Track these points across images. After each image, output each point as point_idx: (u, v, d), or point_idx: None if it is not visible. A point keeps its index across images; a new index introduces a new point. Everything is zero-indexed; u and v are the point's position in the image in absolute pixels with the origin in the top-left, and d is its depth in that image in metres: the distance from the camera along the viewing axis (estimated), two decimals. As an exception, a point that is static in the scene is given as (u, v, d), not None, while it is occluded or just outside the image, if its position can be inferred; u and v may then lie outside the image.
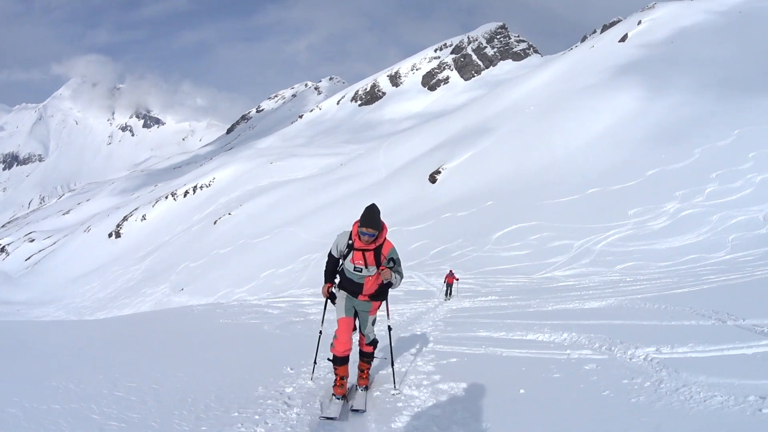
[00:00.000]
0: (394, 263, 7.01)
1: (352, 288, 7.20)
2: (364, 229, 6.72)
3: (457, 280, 26.36)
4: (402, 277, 7.14)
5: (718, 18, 78.83)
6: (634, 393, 5.89)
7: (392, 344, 7.93)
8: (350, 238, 7.00)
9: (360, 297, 7.23)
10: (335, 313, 7.38)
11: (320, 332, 8.16)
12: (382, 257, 7.01)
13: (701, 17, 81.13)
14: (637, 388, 6.04)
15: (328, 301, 7.25)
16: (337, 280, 7.26)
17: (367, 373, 7.64)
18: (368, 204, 6.97)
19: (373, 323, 7.50)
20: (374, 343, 7.52)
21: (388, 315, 7.94)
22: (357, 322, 7.49)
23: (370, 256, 6.95)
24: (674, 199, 36.20)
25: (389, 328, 7.88)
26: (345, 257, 7.00)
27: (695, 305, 10.90)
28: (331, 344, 7.16)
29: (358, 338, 7.60)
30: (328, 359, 7.26)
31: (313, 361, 8.16)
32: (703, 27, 77.09)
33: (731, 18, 76.51)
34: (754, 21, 72.41)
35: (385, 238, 7.05)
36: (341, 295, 7.27)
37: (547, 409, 5.84)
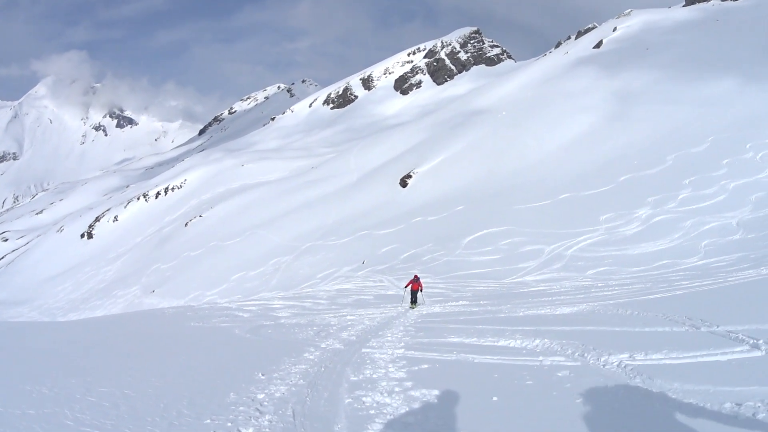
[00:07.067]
0: None
1: None
2: None
3: (421, 290, 23.25)
4: None
5: (697, 14, 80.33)
6: (608, 401, 5.92)
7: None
8: None
9: None
10: None
11: None
12: None
13: (678, 18, 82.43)
14: (611, 396, 6.06)
15: None
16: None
17: None
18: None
19: None
20: None
21: None
22: None
23: None
24: (646, 205, 36.39)
25: None
26: None
27: (668, 311, 10.90)
28: None
29: None
30: None
31: None
32: (677, 28, 78.04)
33: (708, 20, 77.48)
34: (731, 23, 73.50)
35: None
36: None
37: (520, 417, 5.84)
